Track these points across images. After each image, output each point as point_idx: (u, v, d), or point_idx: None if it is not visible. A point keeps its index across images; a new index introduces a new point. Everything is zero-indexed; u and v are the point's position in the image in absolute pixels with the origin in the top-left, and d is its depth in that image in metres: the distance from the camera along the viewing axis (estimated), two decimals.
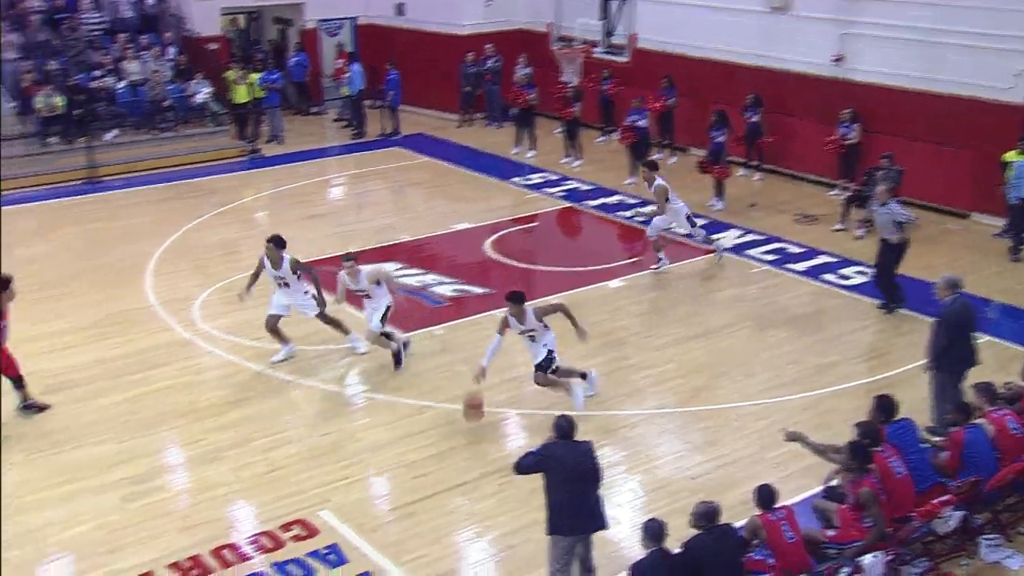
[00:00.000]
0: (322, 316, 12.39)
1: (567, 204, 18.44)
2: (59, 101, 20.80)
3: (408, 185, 20.19)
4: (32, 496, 9.44)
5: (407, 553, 8.51)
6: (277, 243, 12.23)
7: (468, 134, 23.60)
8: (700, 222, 15.76)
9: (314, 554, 8.48)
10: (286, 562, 8.39)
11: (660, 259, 15.08)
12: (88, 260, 15.79)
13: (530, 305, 10.85)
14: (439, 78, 24.34)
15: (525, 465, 7.69)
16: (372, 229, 17.13)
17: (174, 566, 8.34)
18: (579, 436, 7.79)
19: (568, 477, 7.49)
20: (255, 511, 9.20)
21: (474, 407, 10.39)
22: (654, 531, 7.05)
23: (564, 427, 7.68)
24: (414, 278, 14.79)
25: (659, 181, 14.90)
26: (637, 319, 13.49)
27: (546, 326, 10.87)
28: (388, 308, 11.99)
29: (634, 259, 15.54)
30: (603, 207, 18.13)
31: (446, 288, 14.46)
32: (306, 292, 12.34)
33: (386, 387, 11.49)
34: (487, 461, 9.95)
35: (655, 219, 15.10)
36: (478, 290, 14.37)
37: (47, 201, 19.01)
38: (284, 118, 23.57)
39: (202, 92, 22.54)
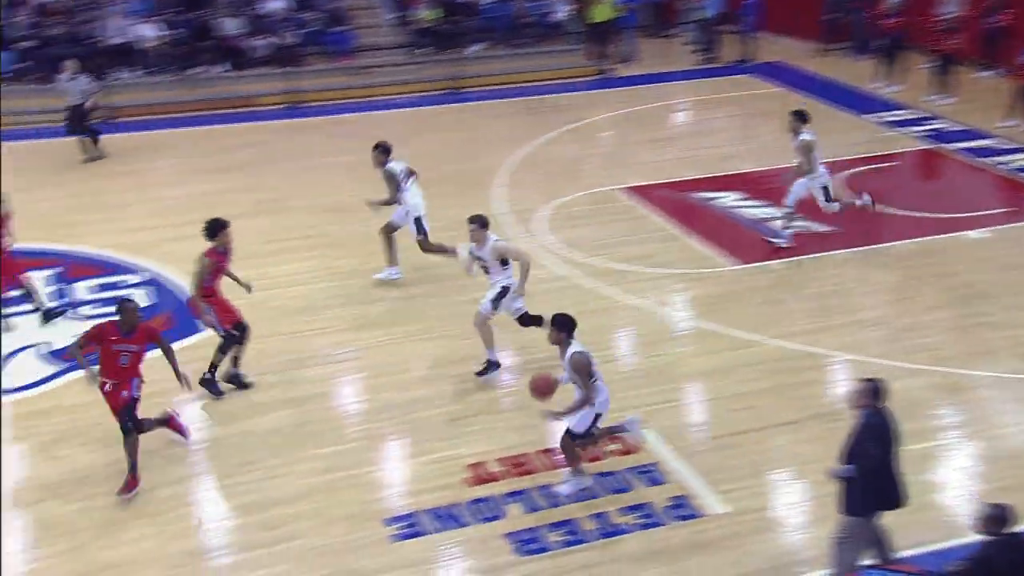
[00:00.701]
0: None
1: (929, 145, 17.13)
2: (432, 15, 22.12)
3: (756, 115, 19.59)
4: (387, 378, 10.35)
5: (723, 483, 8.49)
6: (383, 149, 12.16)
7: (827, 64, 22.44)
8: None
9: (632, 470, 8.69)
10: (605, 473, 8.65)
11: (783, 234, 13.09)
12: (445, 166, 16.80)
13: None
14: (803, 4, 23.23)
15: (874, 455, 6.74)
16: (714, 157, 16.87)
17: (503, 460, 8.85)
18: (909, 391, 7.25)
19: (892, 446, 6.87)
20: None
21: (541, 385, 8.38)
22: (998, 518, 6.28)
23: (883, 391, 6.87)
24: (755, 210, 14.45)
25: (805, 135, 12.91)
26: (1003, 274, 12.31)
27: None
28: (504, 289, 10.28)
29: (1009, 209, 14.19)
30: (971, 151, 16.66)
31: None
32: (405, 208, 12.15)
33: (716, 317, 11.39)
34: (815, 404, 9.65)
35: (796, 183, 12.99)
36: (820, 228, 13.77)
37: (414, 108, 20.44)
38: (638, 39, 23.60)
39: (562, 10, 23.03)
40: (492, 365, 10.25)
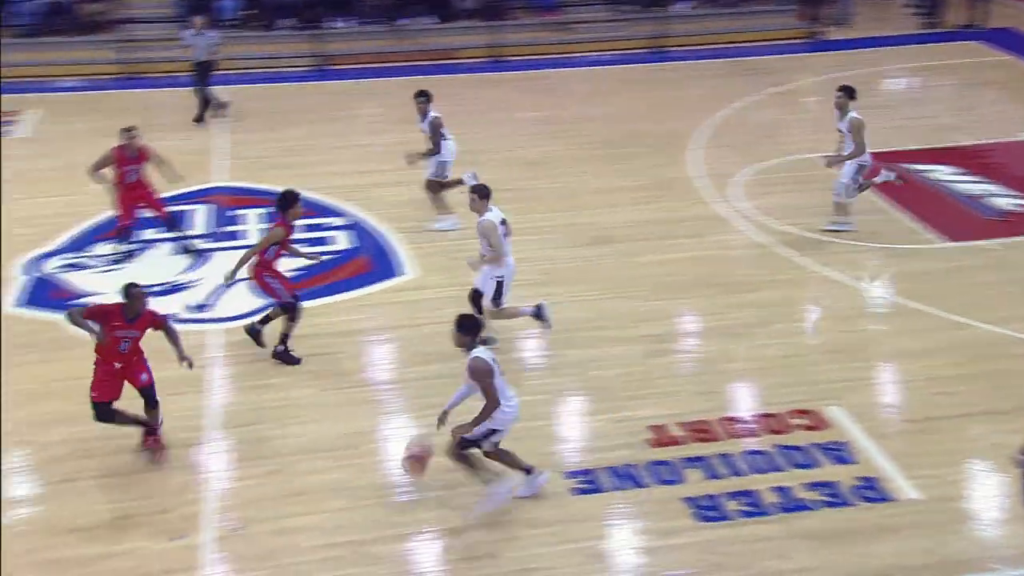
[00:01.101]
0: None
1: None
2: None
3: (979, 84, 18.40)
4: (572, 334, 10.36)
5: (917, 468, 8.12)
6: (427, 98, 12.48)
7: None
8: None
9: (819, 447, 8.43)
10: (790, 447, 8.43)
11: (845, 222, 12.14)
12: (642, 125, 16.65)
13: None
14: None
15: None
16: (929, 127, 16.01)
17: (684, 425, 8.76)
18: None
19: None
20: (766, 392, 9.31)
21: (415, 460, 7.71)
22: None
23: None
24: (970, 185, 13.62)
25: (855, 114, 11.76)
26: None
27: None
28: (499, 285, 9.83)
29: None
30: None
31: (1005, 201, 13.14)
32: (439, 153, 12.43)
33: (920, 295, 10.84)
34: None
35: (846, 166, 11.95)
36: None
37: (615, 66, 20.29)
38: (854, 0, 22.56)
39: None
40: (536, 314, 10.05)
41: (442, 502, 7.92)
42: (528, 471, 7.90)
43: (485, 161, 15.29)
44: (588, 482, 8.09)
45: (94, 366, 8.28)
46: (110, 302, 8.40)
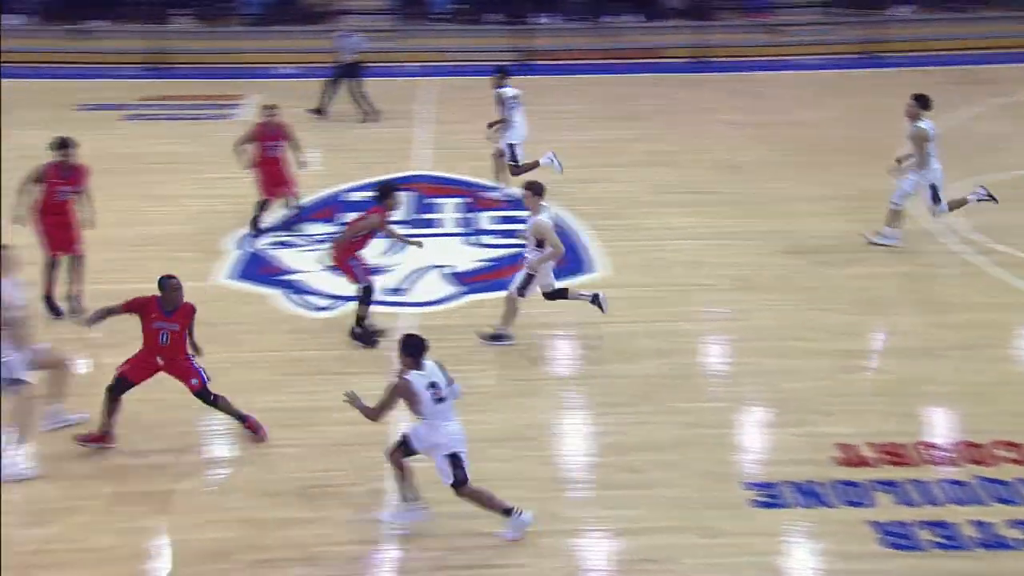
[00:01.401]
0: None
1: None
2: None
3: None
4: (761, 343, 10.13)
5: None
6: (502, 74, 13.59)
7: None
8: None
9: None
10: (994, 480, 7.89)
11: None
12: (850, 132, 16.07)
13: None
14: None
15: None
16: None
17: (875, 446, 8.35)
18: None
19: None
20: (969, 419, 8.78)
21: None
22: None
23: None
24: None
25: (922, 124, 11.38)
26: None
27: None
28: (530, 277, 9.81)
29: None
30: None
31: None
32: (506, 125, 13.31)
33: None
34: None
35: (904, 180, 11.76)
36: None
37: (825, 70, 19.65)
38: None
39: None
40: (500, 337, 9.94)
41: (619, 501, 7.86)
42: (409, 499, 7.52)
43: (684, 162, 15.17)
44: (770, 495, 7.84)
45: (140, 349, 8.31)
46: (148, 294, 8.21)
